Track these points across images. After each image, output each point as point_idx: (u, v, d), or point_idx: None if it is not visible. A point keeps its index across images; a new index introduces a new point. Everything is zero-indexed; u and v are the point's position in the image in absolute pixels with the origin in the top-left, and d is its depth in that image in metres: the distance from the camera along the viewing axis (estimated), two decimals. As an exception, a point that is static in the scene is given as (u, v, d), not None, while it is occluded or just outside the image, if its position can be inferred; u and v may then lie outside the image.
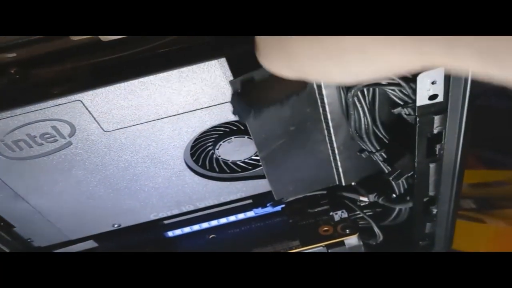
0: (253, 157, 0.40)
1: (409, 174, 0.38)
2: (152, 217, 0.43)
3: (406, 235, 0.46)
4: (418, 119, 0.33)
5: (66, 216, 0.41)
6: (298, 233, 0.45)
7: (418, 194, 0.40)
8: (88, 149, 0.35)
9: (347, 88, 0.33)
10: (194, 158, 0.39)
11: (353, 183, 0.42)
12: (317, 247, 0.44)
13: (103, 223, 0.43)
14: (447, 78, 0.31)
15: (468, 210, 0.61)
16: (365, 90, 0.34)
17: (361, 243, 0.44)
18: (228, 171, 0.41)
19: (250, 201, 0.45)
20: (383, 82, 0.33)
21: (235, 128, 0.38)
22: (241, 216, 0.46)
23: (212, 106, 0.33)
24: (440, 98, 0.32)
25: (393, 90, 0.33)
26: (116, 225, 0.44)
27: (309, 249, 0.44)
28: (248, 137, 0.38)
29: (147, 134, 0.35)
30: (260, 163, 0.39)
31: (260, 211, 0.46)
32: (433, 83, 0.31)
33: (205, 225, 0.46)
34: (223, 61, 0.30)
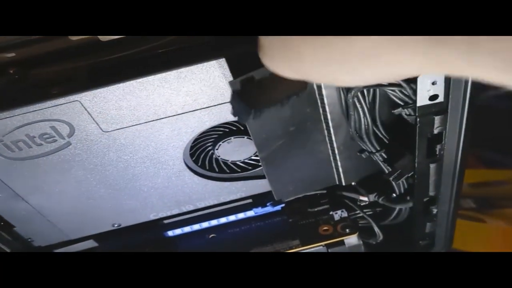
0: (252, 157, 0.40)
1: (409, 175, 0.38)
2: (152, 217, 0.43)
3: (406, 235, 0.46)
4: (418, 119, 0.33)
5: (66, 216, 0.41)
6: (298, 232, 0.45)
7: (418, 194, 0.40)
8: (87, 149, 0.35)
9: (347, 89, 0.33)
10: (193, 159, 0.39)
11: (353, 183, 0.42)
12: (317, 247, 0.44)
13: (103, 223, 0.43)
14: (448, 79, 0.31)
15: (468, 210, 0.61)
16: (365, 90, 0.33)
17: (361, 242, 0.44)
18: (227, 171, 0.41)
19: (250, 200, 0.45)
20: (384, 83, 0.32)
21: (234, 128, 0.38)
22: (241, 215, 0.46)
23: (211, 106, 0.33)
24: (440, 99, 0.32)
25: (393, 90, 0.33)
26: (116, 225, 0.44)
27: (309, 248, 0.44)
28: (247, 138, 0.38)
29: (146, 135, 0.35)
30: (259, 163, 0.39)
31: (260, 210, 0.46)
32: (433, 83, 0.31)
33: (205, 224, 0.46)
34: (222, 61, 0.30)
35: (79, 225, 0.43)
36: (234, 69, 0.31)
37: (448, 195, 0.39)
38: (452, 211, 0.41)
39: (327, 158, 0.39)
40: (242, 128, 0.37)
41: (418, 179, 0.38)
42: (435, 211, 0.42)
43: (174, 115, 0.33)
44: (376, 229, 0.44)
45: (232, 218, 0.46)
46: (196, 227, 0.46)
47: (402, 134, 0.36)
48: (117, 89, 0.31)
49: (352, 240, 0.44)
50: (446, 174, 0.37)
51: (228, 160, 0.40)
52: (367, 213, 0.44)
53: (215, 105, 0.33)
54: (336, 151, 0.38)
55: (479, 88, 0.30)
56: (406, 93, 0.33)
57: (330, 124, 0.35)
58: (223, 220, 0.46)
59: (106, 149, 0.35)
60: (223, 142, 0.38)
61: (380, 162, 0.38)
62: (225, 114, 0.34)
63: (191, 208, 0.43)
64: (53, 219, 0.41)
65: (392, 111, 0.34)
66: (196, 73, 0.31)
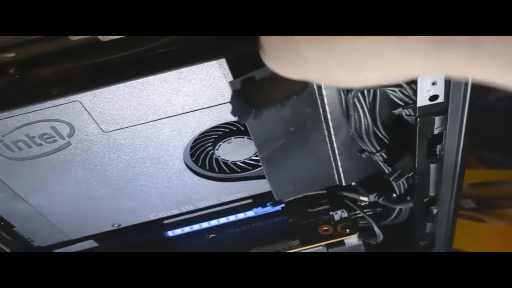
0: (253, 158, 0.40)
1: (409, 175, 0.38)
2: (152, 217, 0.43)
3: (406, 235, 0.46)
4: (418, 119, 0.33)
5: (66, 216, 0.41)
6: (298, 232, 0.45)
7: (418, 194, 0.40)
8: (88, 150, 0.35)
9: (348, 89, 0.33)
10: (193, 159, 0.39)
11: (353, 183, 0.42)
12: (317, 247, 0.44)
13: (103, 223, 0.43)
14: (448, 79, 0.31)
15: (468, 210, 0.61)
16: (365, 91, 0.33)
17: (361, 242, 0.44)
18: (228, 171, 0.41)
19: (250, 200, 0.45)
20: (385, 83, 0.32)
21: (234, 128, 0.38)
22: (241, 215, 0.46)
23: (212, 106, 0.33)
24: (440, 99, 0.32)
25: (393, 91, 0.33)
26: (116, 225, 0.44)
27: (309, 248, 0.44)
28: (247, 138, 0.38)
29: (146, 135, 0.34)
30: (259, 164, 0.39)
31: (260, 210, 0.46)
32: (433, 83, 0.31)
33: (205, 224, 0.46)
34: (222, 61, 0.30)
35: (79, 225, 0.43)
36: (234, 69, 0.31)
37: (448, 195, 0.39)
38: (452, 211, 0.41)
39: (327, 158, 0.39)
40: (242, 128, 0.37)
41: (419, 180, 0.38)
42: (435, 211, 0.42)
43: (174, 115, 0.33)
44: (376, 229, 0.44)
45: (232, 218, 0.46)
46: (196, 227, 0.46)
47: (402, 134, 0.36)
48: (117, 89, 0.31)
49: (352, 240, 0.44)
50: (446, 174, 0.37)
51: (228, 160, 0.40)
52: (367, 213, 0.44)
53: (215, 105, 0.33)
54: (336, 151, 0.38)
55: (479, 88, 0.30)
56: (406, 93, 0.33)
57: (330, 124, 0.35)
58: (223, 220, 0.46)
59: (106, 149, 0.35)
60: (223, 142, 0.38)
61: (380, 162, 0.38)
62: (225, 114, 0.34)
63: (191, 208, 0.43)
64: (53, 219, 0.41)
65: (393, 112, 0.34)
66: (196, 73, 0.31)
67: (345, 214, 0.45)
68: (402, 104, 0.34)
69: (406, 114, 0.34)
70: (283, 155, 0.37)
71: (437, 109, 0.32)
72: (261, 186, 0.42)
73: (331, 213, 0.45)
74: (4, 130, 0.32)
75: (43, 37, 0.31)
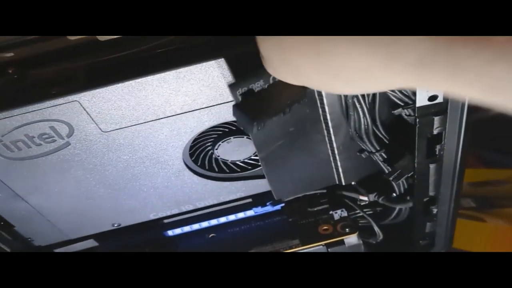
0: (252, 157, 0.40)
1: (409, 175, 0.38)
2: (152, 216, 0.43)
3: (406, 234, 0.45)
4: (418, 120, 0.33)
5: (66, 216, 0.41)
6: (298, 232, 0.45)
7: (418, 194, 0.40)
8: (87, 150, 0.35)
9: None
10: (193, 158, 0.39)
11: (353, 183, 0.42)
12: (317, 246, 0.44)
13: (103, 222, 0.43)
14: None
15: (468, 209, 0.61)
16: (364, 90, 0.33)
17: (361, 242, 0.44)
18: (227, 171, 0.41)
19: (249, 200, 0.45)
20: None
21: (234, 128, 0.38)
22: (240, 215, 0.46)
23: (211, 106, 0.33)
24: (440, 99, 0.32)
25: (393, 91, 0.33)
26: (115, 225, 0.44)
27: (308, 248, 0.44)
28: (247, 137, 0.37)
29: (145, 135, 0.34)
30: (259, 163, 0.39)
31: (259, 210, 0.46)
32: (433, 83, 0.31)
33: (205, 224, 0.46)
34: (221, 61, 0.30)
35: (78, 225, 0.43)
36: (233, 69, 0.30)
37: (448, 195, 0.39)
38: (452, 211, 0.41)
39: (327, 158, 0.39)
40: (242, 128, 0.37)
41: (418, 179, 0.38)
42: (435, 211, 0.41)
43: (173, 115, 0.33)
44: (376, 228, 0.44)
45: (231, 217, 0.46)
46: (195, 226, 0.46)
47: (402, 134, 0.36)
48: (116, 89, 0.31)
49: (352, 239, 0.43)
50: (446, 174, 0.37)
51: (227, 160, 0.40)
52: (367, 213, 0.44)
53: (214, 105, 0.33)
54: (336, 151, 0.38)
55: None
56: (405, 93, 0.33)
57: (330, 124, 0.35)
58: (223, 219, 0.46)
59: (105, 149, 0.35)
60: (222, 142, 0.38)
61: (380, 162, 0.38)
62: (225, 114, 0.34)
63: (191, 207, 0.43)
64: (53, 219, 0.41)
65: (392, 112, 0.34)
66: (195, 73, 0.31)
67: (344, 214, 0.45)
68: (402, 104, 0.33)
69: (405, 114, 0.34)
70: (283, 155, 0.37)
71: (437, 109, 0.32)
72: (260, 185, 0.42)
73: (331, 212, 0.45)
74: (3, 130, 0.32)
75: (41, 37, 0.31)
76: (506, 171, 0.63)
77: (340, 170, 0.40)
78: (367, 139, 0.36)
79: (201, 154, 0.40)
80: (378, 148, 0.37)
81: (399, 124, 0.35)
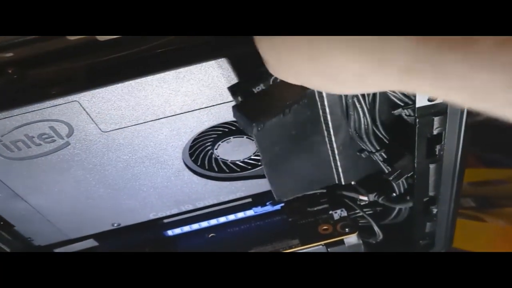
0: (252, 157, 0.40)
1: (409, 175, 0.38)
2: (152, 216, 0.43)
3: (406, 234, 0.45)
4: (417, 120, 0.33)
5: (66, 215, 0.41)
6: (298, 231, 0.45)
7: (418, 194, 0.40)
8: (86, 150, 0.35)
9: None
10: (193, 158, 0.39)
11: (352, 182, 0.42)
12: (317, 246, 0.44)
13: (103, 222, 0.43)
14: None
15: (468, 209, 0.61)
16: (364, 90, 0.33)
17: (361, 241, 0.44)
18: (227, 170, 0.41)
19: (249, 200, 0.45)
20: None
21: (233, 128, 0.37)
22: (240, 215, 0.46)
23: (210, 106, 0.33)
24: (440, 100, 0.31)
25: (393, 91, 0.33)
26: (115, 225, 0.44)
27: (308, 248, 0.44)
28: (247, 137, 0.37)
29: (145, 135, 0.34)
30: (259, 163, 0.39)
31: (259, 209, 0.46)
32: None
33: (204, 224, 0.46)
34: (220, 61, 0.30)
35: (78, 225, 0.43)
36: (233, 69, 0.30)
37: (448, 195, 0.39)
38: (452, 211, 0.41)
39: (327, 158, 0.39)
40: (241, 128, 0.37)
41: (418, 179, 0.38)
42: (435, 211, 0.41)
43: (173, 115, 0.33)
44: (376, 228, 0.44)
45: (231, 217, 0.46)
46: (195, 226, 0.46)
47: (402, 134, 0.36)
48: (116, 89, 0.31)
49: (351, 239, 0.43)
50: (446, 174, 0.37)
51: (227, 160, 0.40)
52: (367, 213, 0.44)
53: (214, 105, 0.33)
54: (336, 151, 0.38)
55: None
56: (406, 93, 0.33)
57: (330, 125, 0.35)
58: (222, 219, 0.46)
59: (105, 149, 0.35)
60: (222, 142, 0.38)
61: (380, 162, 0.38)
62: (224, 114, 0.34)
63: (191, 207, 0.43)
64: (53, 218, 0.41)
65: (392, 112, 0.34)
66: (194, 73, 0.31)
67: (344, 213, 0.45)
68: (402, 104, 0.33)
69: (405, 115, 0.34)
70: (284, 156, 0.37)
71: (436, 109, 0.32)
72: (260, 185, 0.42)
73: (330, 212, 0.45)
74: (3, 130, 0.32)
75: (41, 37, 0.31)
76: (506, 171, 0.63)
77: (340, 170, 0.40)
78: (367, 139, 0.36)
79: (201, 154, 0.40)
80: (378, 148, 0.37)
81: (399, 124, 0.35)
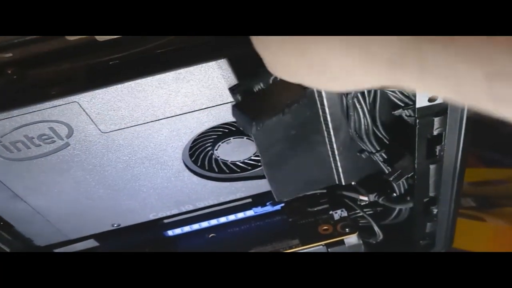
0: (252, 158, 0.40)
1: (409, 175, 0.38)
2: (152, 217, 0.43)
3: (407, 234, 0.45)
4: (418, 120, 0.33)
5: (65, 216, 0.41)
6: (298, 232, 0.45)
7: (418, 194, 0.40)
8: (86, 150, 0.35)
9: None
10: (193, 159, 0.39)
11: (353, 183, 0.42)
12: (317, 246, 0.44)
13: (102, 223, 0.43)
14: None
15: (468, 209, 0.61)
16: (365, 91, 0.33)
17: (361, 242, 0.44)
18: (227, 171, 0.41)
19: (249, 200, 0.45)
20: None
21: (233, 129, 0.37)
22: (240, 215, 0.46)
23: (210, 107, 0.33)
24: (439, 100, 0.31)
25: (393, 91, 0.33)
26: (115, 225, 0.44)
27: (308, 248, 0.44)
28: (247, 138, 0.37)
29: (145, 135, 0.34)
30: (259, 163, 0.39)
31: (259, 210, 0.46)
32: (433, 84, 0.30)
33: (204, 224, 0.46)
34: (220, 62, 0.30)
35: (78, 226, 0.43)
36: (233, 70, 0.30)
37: (448, 195, 0.39)
38: (453, 211, 0.41)
39: (327, 158, 0.39)
40: (241, 128, 0.37)
41: (418, 180, 0.38)
42: (435, 211, 0.41)
43: (173, 116, 0.33)
44: (376, 228, 0.44)
45: (231, 217, 0.46)
46: (195, 226, 0.46)
47: (402, 134, 0.36)
48: (116, 90, 0.31)
49: (352, 239, 0.43)
50: (446, 175, 0.37)
51: (227, 161, 0.40)
52: (367, 213, 0.44)
53: (214, 106, 0.33)
54: (336, 152, 0.38)
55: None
56: (406, 94, 0.32)
57: (330, 125, 0.35)
58: (222, 219, 0.46)
59: (105, 149, 0.35)
60: (222, 143, 0.38)
61: (380, 163, 0.38)
62: (224, 115, 0.34)
63: (191, 208, 0.43)
64: (52, 219, 0.41)
65: (393, 113, 0.34)
66: (194, 74, 0.31)
67: (344, 214, 0.45)
68: (402, 105, 0.33)
69: (406, 115, 0.34)
70: (284, 157, 0.37)
71: (437, 110, 0.32)
72: (260, 185, 0.42)
73: (330, 212, 0.45)
74: (3, 131, 0.32)
75: (40, 37, 0.31)
76: (506, 170, 0.63)
77: (340, 170, 0.40)
78: (367, 139, 0.36)
79: (201, 155, 0.39)
80: (378, 149, 0.37)
81: (399, 125, 0.35)
